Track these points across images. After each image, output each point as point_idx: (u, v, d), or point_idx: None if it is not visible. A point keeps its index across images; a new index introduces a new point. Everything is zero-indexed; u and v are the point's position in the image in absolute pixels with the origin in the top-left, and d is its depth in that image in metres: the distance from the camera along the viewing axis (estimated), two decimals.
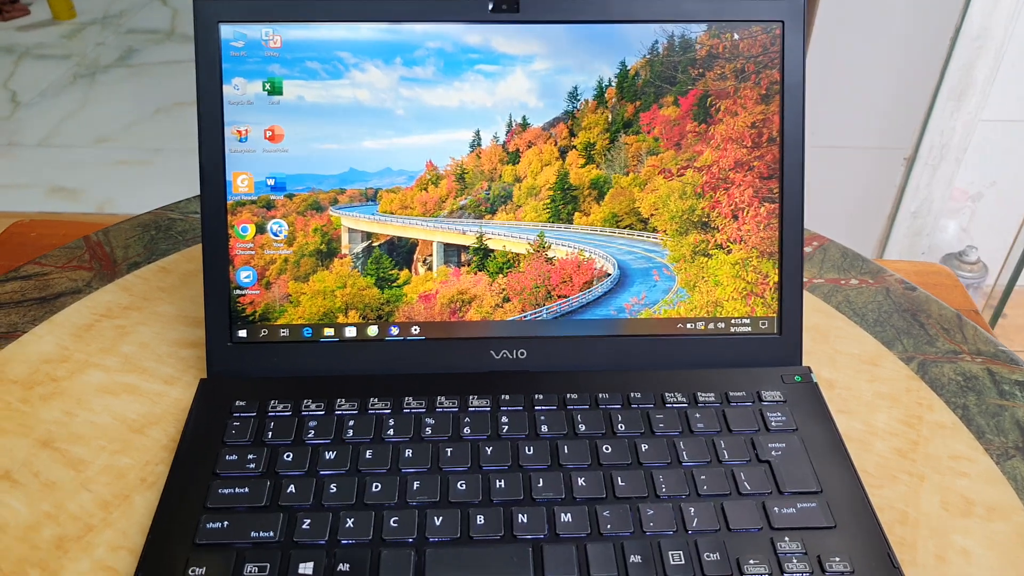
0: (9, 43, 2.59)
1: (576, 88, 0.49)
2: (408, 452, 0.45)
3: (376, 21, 0.48)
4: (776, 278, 0.50)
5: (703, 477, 0.44)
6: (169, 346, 0.54)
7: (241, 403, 0.48)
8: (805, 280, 0.61)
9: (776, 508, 0.42)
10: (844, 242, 0.66)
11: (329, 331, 0.50)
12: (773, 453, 0.45)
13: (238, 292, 0.50)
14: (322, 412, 0.47)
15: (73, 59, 2.51)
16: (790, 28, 0.49)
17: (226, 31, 0.47)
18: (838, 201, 1.41)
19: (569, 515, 0.42)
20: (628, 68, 0.49)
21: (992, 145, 1.41)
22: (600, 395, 0.48)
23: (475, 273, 0.51)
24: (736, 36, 0.49)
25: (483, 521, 0.42)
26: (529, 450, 0.45)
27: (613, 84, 0.49)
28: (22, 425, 0.48)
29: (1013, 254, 1.49)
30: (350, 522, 0.42)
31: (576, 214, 0.51)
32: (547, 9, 0.48)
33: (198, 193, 0.70)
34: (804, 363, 0.51)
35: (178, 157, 2.06)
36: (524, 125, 0.50)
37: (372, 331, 0.51)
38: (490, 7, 0.48)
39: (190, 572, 0.39)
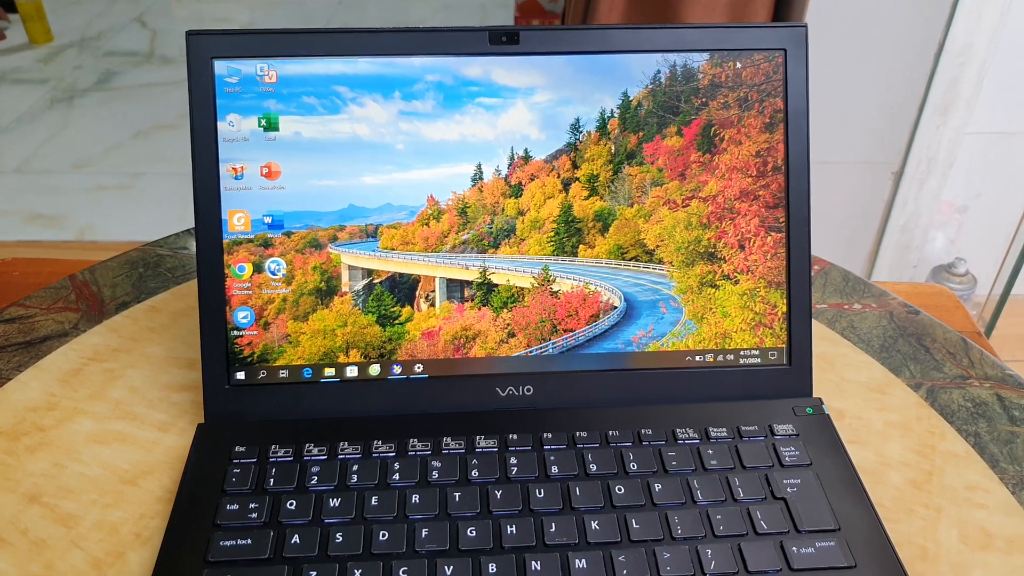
0: None
1: (578, 120, 0.48)
2: (415, 498, 0.44)
3: (374, 55, 0.47)
4: (784, 308, 0.50)
5: (719, 517, 0.43)
6: (161, 390, 0.52)
7: (241, 448, 0.46)
8: None
9: (794, 548, 0.41)
10: (835, 256, 0.66)
11: (330, 371, 0.49)
12: (788, 490, 0.44)
13: (235, 333, 0.48)
14: (324, 457, 0.46)
15: (50, 83, 2.48)
16: (792, 56, 0.49)
17: (220, 67, 0.46)
18: (828, 215, 1.41)
19: (584, 561, 0.41)
20: (630, 99, 0.49)
21: (977, 158, 1.42)
22: (610, 432, 0.47)
23: (479, 308, 0.50)
24: (739, 65, 0.49)
25: (495, 569, 0.40)
26: (540, 492, 0.44)
27: (616, 115, 0.49)
28: (8, 479, 0.46)
29: (1006, 265, 1.51)
30: (358, 573, 0.40)
31: (581, 247, 0.50)
32: (547, 41, 0.48)
33: (183, 226, 0.69)
34: (813, 393, 0.50)
35: (159, 181, 2.03)
36: (526, 158, 0.49)
37: (374, 370, 0.49)
38: (488, 39, 0.47)
39: None
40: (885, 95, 1.29)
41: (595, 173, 0.49)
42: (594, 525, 0.42)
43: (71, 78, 2.51)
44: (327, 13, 2.94)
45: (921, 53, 1.26)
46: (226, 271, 0.48)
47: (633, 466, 0.45)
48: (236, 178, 0.47)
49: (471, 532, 0.42)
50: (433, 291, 0.50)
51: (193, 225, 0.67)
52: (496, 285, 0.50)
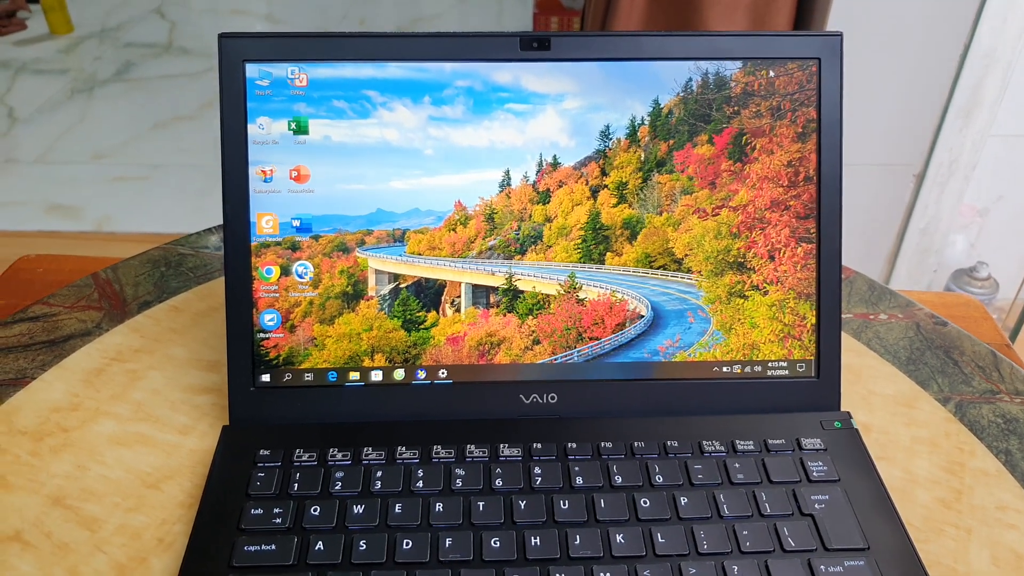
0: (6, 58, 2.57)
1: (608, 127, 0.48)
2: (439, 506, 0.44)
3: (404, 60, 0.46)
4: (814, 320, 0.49)
5: (745, 532, 0.42)
6: (183, 392, 0.52)
7: (265, 452, 0.46)
8: None
9: (823, 567, 0.41)
10: (854, 258, 0.65)
11: (355, 375, 0.49)
12: (816, 506, 0.44)
13: (262, 336, 0.48)
14: (349, 462, 0.46)
15: (70, 74, 2.49)
16: (827, 65, 0.48)
17: (251, 70, 0.46)
18: (848, 217, 1.40)
19: (608, 575, 0.40)
20: (661, 106, 0.48)
21: (999, 161, 1.40)
22: (635, 443, 0.47)
23: (504, 315, 0.49)
24: (772, 73, 0.48)
25: None
26: (564, 504, 0.44)
27: (646, 122, 0.48)
28: (32, 480, 0.46)
29: None
30: None
31: (608, 254, 0.49)
32: (578, 47, 0.47)
33: (202, 217, 0.69)
34: (840, 407, 0.50)
35: (177, 173, 2.04)
36: (555, 164, 0.48)
37: (399, 375, 0.49)
38: (519, 45, 0.47)
39: None
40: (908, 97, 1.28)
41: (624, 180, 0.49)
42: (619, 538, 0.42)
43: (91, 69, 2.52)
44: (344, 5, 2.94)
45: (945, 55, 1.24)
46: (254, 273, 0.48)
47: (658, 478, 0.45)
48: (265, 181, 0.47)
49: (495, 543, 0.42)
50: (459, 297, 0.50)
51: (212, 223, 0.67)
52: (522, 292, 0.49)
